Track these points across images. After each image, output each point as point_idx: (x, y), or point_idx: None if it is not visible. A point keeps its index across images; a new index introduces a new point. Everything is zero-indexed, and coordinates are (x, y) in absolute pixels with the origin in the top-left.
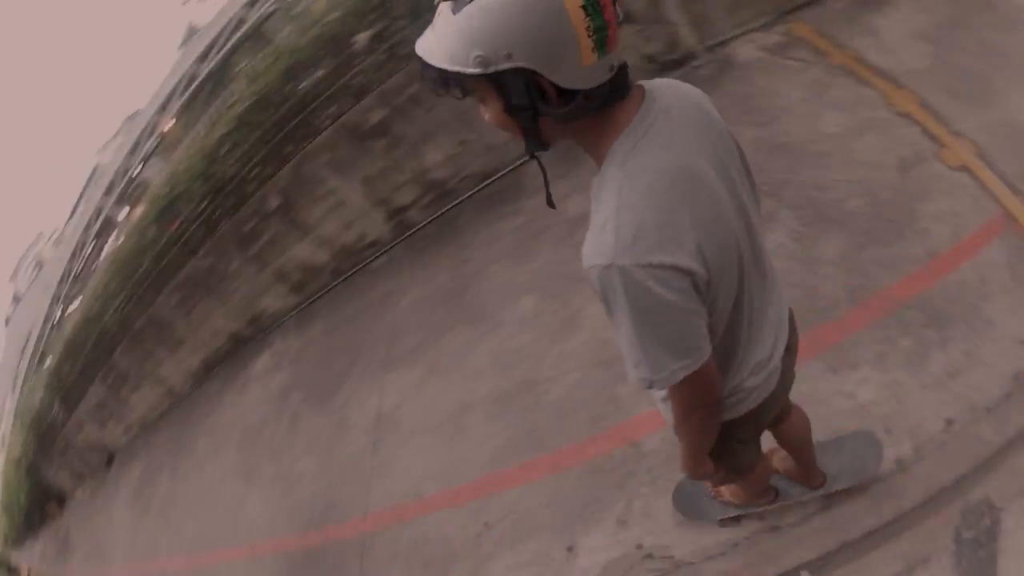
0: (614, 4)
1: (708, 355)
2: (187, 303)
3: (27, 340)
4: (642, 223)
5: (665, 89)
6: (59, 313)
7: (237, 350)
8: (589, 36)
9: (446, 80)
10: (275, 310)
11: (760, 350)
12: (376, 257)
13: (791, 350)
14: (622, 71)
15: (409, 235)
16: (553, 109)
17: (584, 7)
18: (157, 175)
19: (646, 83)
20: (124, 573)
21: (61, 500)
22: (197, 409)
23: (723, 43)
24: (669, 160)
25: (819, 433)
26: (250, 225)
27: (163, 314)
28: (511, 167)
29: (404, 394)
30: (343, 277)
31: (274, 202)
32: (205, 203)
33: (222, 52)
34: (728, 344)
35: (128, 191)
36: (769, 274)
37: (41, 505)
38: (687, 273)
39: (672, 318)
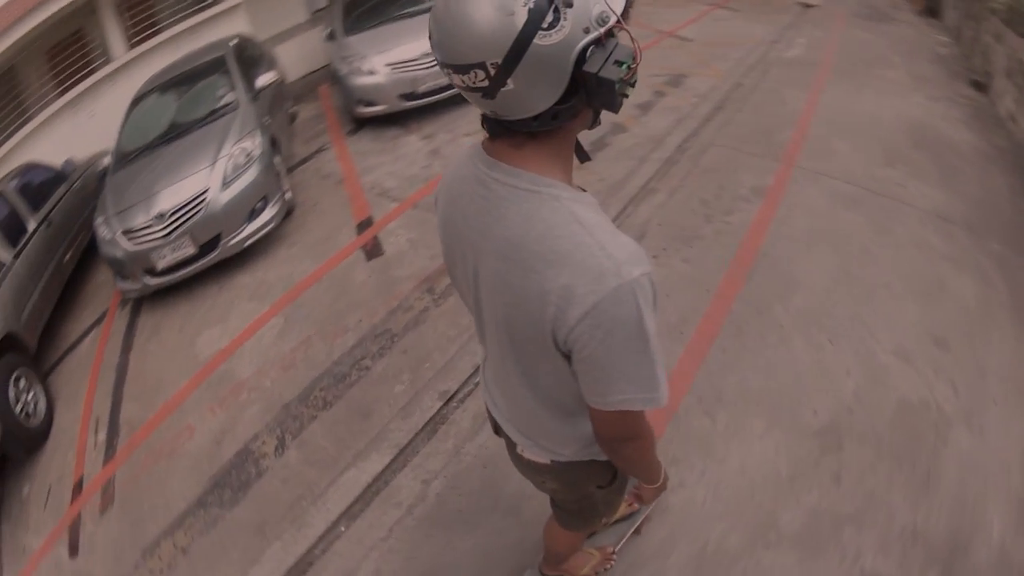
0: (444, 67)
1: None
2: None
3: None
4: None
5: (489, 176)
6: None
7: None
8: None
9: None
10: None
11: (486, 372)
12: None
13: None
14: (485, 118)
15: None
16: None
17: None
18: None
19: (503, 165)
20: None
21: None
22: None
23: None
24: (453, 177)
25: None
26: None
27: None
28: None
29: None
30: None
31: None
32: None
33: None
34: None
35: None
36: (496, 358)
37: None
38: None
39: None
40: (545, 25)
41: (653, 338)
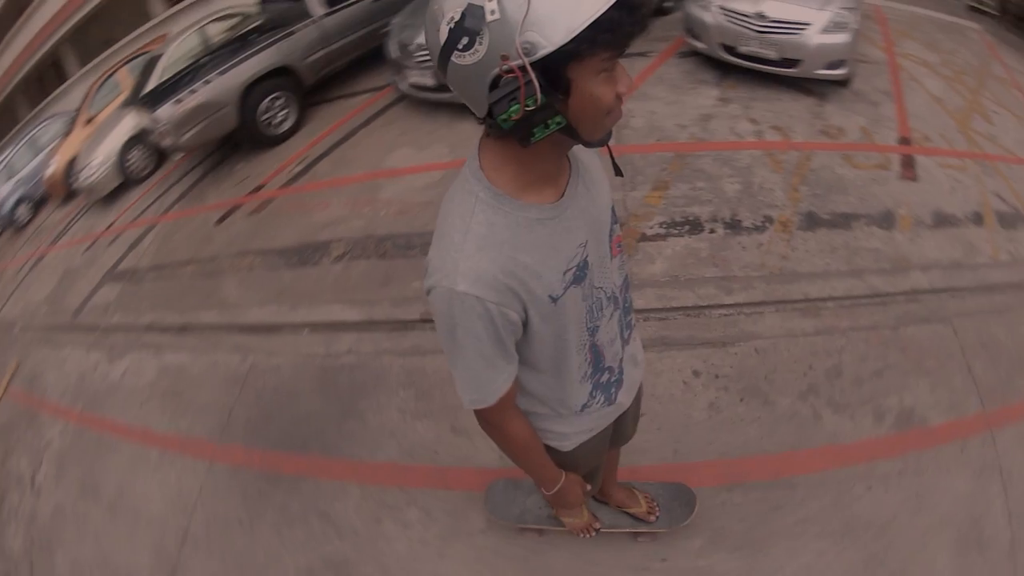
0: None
1: None
2: None
3: None
4: None
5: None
6: None
7: None
8: None
9: None
10: None
11: None
12: None
13: None
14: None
15: None
16: None
17: None
18: None
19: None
20: None
21: None
22: None
23: None
24: None
25: None
26: None
27: None
28: None
29: None
30: None
31: None
32: None
33: None
34: None
35: None
36: None
37: None
38: None
39: None
40: (460, 46)
41: (466, 351)
